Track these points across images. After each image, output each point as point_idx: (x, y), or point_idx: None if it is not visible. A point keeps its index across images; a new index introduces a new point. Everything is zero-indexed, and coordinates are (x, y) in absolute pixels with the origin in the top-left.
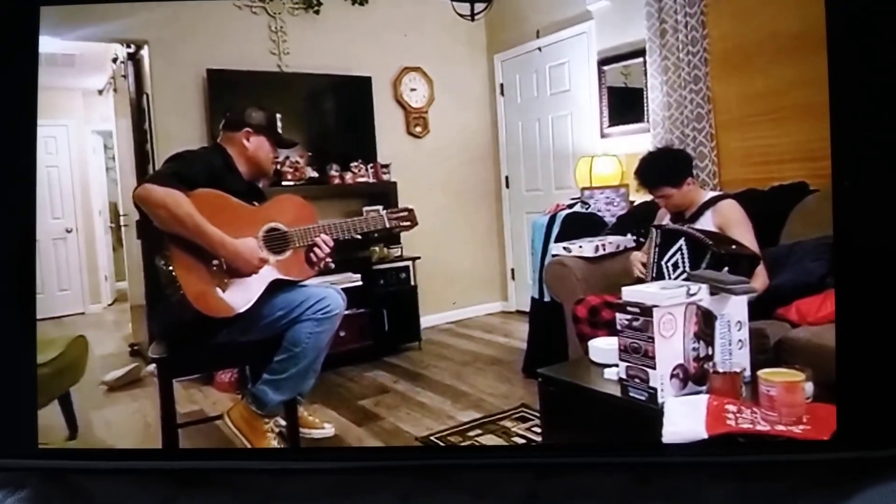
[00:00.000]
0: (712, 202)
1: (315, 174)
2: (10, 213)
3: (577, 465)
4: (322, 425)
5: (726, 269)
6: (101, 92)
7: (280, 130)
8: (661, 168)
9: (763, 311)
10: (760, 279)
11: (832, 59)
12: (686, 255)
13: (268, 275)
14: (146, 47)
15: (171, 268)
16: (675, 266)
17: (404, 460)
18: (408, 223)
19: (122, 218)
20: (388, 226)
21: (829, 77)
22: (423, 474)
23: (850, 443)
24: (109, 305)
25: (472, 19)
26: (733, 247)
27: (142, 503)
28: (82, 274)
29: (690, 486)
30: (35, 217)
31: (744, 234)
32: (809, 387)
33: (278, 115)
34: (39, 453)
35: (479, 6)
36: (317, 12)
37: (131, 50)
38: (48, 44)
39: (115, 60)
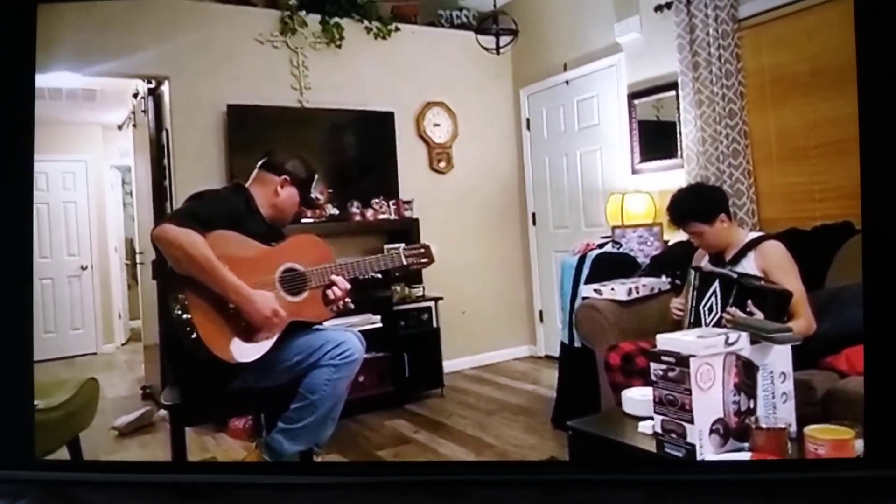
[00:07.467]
0: (755, 243)
1: (335, 211)
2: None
3: (591, 483)
4: None
5: (751, 302)
6: (120, 127)
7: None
8: (691, 203)
9: (809, 359)
10: (803, 322)
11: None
12: (719, 297)
13: (285, 318)
14: (167, 82)
15: (186, 311)
16: (710, 310)
17: (412, 476)
18: (425, 260)
19: (138, 256)
20: (404, 263)
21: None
22: (430, 490)
23: (877, 461)
24: (123, 345)
25: (498, 53)
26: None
27: None
28: (96, 312)
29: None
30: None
31: (788, 277)
32: (860, 444)
33: (316, 176)
34: (38, 465)
35: (504, 39)
36: (339, 46)
37: (152, 85)
38: (69, 79)
39: (135, 96)
